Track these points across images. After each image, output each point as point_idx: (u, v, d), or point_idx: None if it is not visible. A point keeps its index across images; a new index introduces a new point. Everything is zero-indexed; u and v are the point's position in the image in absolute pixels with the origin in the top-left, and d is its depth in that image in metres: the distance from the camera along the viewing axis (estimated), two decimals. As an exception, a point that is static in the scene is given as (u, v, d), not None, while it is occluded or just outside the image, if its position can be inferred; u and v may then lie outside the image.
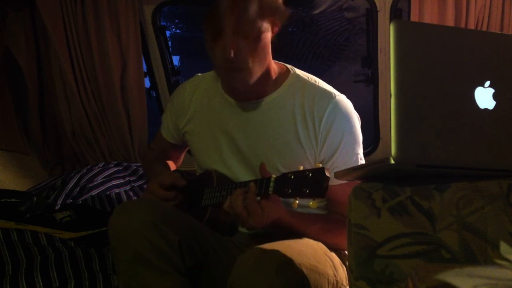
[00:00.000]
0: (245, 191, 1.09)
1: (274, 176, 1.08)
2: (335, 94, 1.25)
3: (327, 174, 0.99)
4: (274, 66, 1.27)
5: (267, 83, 1.25)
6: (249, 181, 1.13)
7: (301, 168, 1.05)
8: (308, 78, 1.29)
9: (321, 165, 1.03)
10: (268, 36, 1.17)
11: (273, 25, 1.17)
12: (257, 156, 1.26)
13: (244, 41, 1.12)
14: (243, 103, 1.29)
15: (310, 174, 1.01)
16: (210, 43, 1.16)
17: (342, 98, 1.25)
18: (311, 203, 1.02)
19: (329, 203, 1.31)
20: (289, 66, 1.32)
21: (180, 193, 1.33)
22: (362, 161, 1.27)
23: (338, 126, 1.22)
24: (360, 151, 1.27)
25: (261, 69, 1.19)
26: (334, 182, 1.21)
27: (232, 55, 1.11)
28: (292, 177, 1.04)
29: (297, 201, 1.03)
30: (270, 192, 1.06)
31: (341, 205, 1.25)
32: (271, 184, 1.06)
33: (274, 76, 1.27)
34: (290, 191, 1.03)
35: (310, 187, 0.99)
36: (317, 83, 1.28)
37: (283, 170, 1.21)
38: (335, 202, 1.27)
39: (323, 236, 1.23)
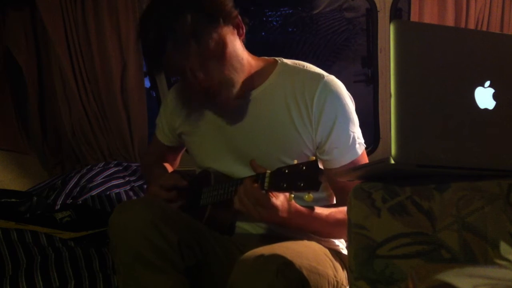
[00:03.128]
0: (250, 186, 1.08)
1: (268, 171, 1.08)
2: (323, 75, 1.24)
3: (320, 166, 0.99)
4: (254, 62, 1.27)
5: (249, 78, 1.25)
6: (245, 178, 1.13)
7: (295, 161, 1.05)
8: (296, 64, 1.29)
9: (314, 158, 1.02)
10: (233, 41, 1.16)
11: (235, 30, 1.18)
12: (255, 149, 1.26)
13: (207, 63, 1.13)
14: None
15: (304, 168, 1.01)
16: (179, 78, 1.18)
17: (331, 77, 1.25)
18: (306, 197, 1.02)
19: (334, 190, 1.31)
20: (277, 58, 1.32)
21: (181, 194, 1.34)
22: (359, 140, 1.25)
23: (330, 105, 1.21)
24: (357, 130, 1.26)
25: (241, 74, 1.19)
26: (336, 163, 1.22)
27: (202, 75, 1.13)
28: (287, 171, 1.04)
29: (293, 195, 1.04)
30: (265, 188, 1.06)
31: (345, 190, 1.23)
32: (266, 179, 1.06)
33: (254, 70, 1.26)
34: (285, 185, 1.03)
35: (305, 180, 1.00)
36: (305, 67, 1.27)
37: (285, 159, 1.22)
38: (339, 188, 1.27)
39: (331, 227, 1.22)
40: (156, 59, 1.16)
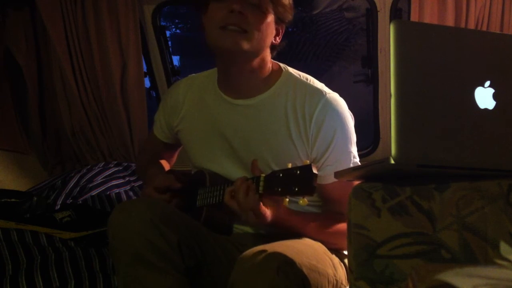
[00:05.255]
0: (246, 188, 1.08)
1: (263, 175, 1.07)
2: (326, 92, 1.25)
3: (314, 171, 0.99)
4: (269, 64, 1.29)
5: (260, 79, 1.26)
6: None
7: (290, 165, 1.04)
8: (299, 76, 1.30)
9: (308, 161, 1.02)
10: (271, 21, 1.21)
11: (276, 17, 1.22)
12: (249, 153, 1.27)
13: (251, 7, 1.16)
14: (237, 100, 1.29)
15: (298, 172, 1.00)
16: (214, 3, 1.18)
17: (333, 95, 1.25)
18: (301, 201, 1.02)
19: (326, 202, 1.30)
20: (281, 64, 1.33)
21: (176, 195, 1.34)
22: (355, 159, 1.26)
23: (329, 123, 1.22)
24: (354, 149, 1.26)
25: (258, 44, 1.19)
26: (328, 180, 1.21)
27: (239, 9, 1.14)
28: (281, 175, 1.03)
29: (288, 200, 1.03)
30: (260, 191, 1.06)
31: (337, 203, 1.25)
32: (261, 183, 1.06)
33: (267, 73, 1.28)
34: (279, 189, 1.03)
35: (299, 184, 0.99)
36: (308, 81, 1.28)
37: (275, 167, 1.21)
38: (331, 201, 1.27)
39: (323, 235, 1.23)
40: None
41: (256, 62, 1.23)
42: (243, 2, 1.15)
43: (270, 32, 1.22)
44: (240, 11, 1.14)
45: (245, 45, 1.16)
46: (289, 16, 1.26)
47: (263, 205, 1.07)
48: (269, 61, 1.28)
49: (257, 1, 1.17)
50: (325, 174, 1.22)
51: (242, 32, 1.16)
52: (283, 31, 1.28)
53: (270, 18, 1.20)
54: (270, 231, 1.27)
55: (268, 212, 1.08)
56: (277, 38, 1.27)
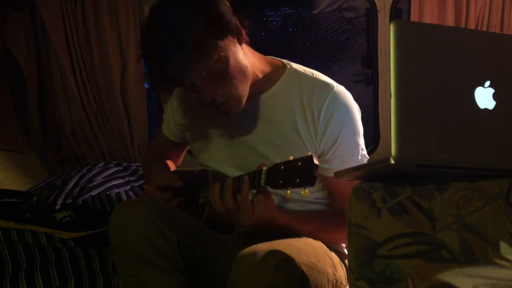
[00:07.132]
0: (234, 187, 1.10)
1: (265, 168, 1.08)
2: (333, 85, 1.24)
3: (315, 161, 0.99)
4: (260, 65, 1.25)
5: (260, 80, 1.25)
6: (242, 175, 1.13)
7: (291, 158, 1.04)
8: (305, 71, 1.29)
9: (310, 153, 1.02)
10: (234, 53, 1.13)
11: (236, 38, 1.14)
12: (255, 151, 1.26)
13: (212, 80, 1.11)
14: None
15: (300, 163, 1.01)
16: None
17: (340, 89, 1.25)
18: (302, 193, 1.02)
19: (332, 198, 1.30)
20: (285, 61, 1.32)
21: (178, 194, 1.34)
22: (363, 151, 1.27)
23: (338, 117, 1.22)
24: (361, 141, 1.27)
25: (246, 85, 1.18)
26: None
27: (209, 98, 1.12)
28: (283, 167, 1.04)
29: (289, 192, 1.04)
30: (262, 184, 1.06)
31: (344, 198, 1.24)
32: (263, 176, 1.06)
33: (260, 75, 1.25)
34: (281, 181, 1.03)
35: (300, 176, 1.00)
36: (314, 75, 1.28)
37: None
38: (338, 195, 1.26)
39: (318, 234, 1.23)
40: (161, 74, 1.11)
41: (243, 86, 1.20)
42: (205, 87, 1.11)
43: (241, 61, 1.15)
44: (213, 101, 1.13)
45: (241, 104, 1.18)
46: (226, 24, 1.10)
47: (253, 207, 1.08)
48: (256, 63, 1.24)
49: (212, 71, 1.09)
50: (333, 167, 1.22)
51: (228, 99, 1.15)
52: (242, 29, 1.15)
53: (233, 54, 1.12)
54: (271, 231, 1.27)
55: (258, 213, 1.09)
56: (243, 40, 1.17)
